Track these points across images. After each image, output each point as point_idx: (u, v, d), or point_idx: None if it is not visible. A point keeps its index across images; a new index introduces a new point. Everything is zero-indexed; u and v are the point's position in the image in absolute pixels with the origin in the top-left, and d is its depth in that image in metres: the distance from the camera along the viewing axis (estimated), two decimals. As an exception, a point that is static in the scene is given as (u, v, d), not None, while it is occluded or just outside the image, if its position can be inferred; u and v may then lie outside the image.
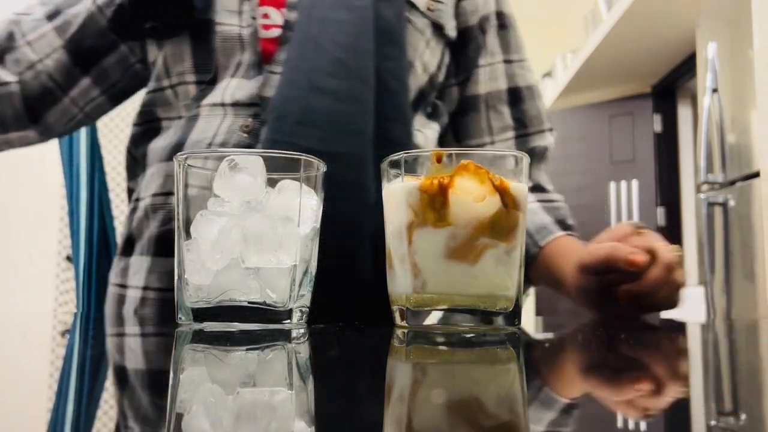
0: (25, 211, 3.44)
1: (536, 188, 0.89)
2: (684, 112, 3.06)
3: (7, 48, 0.81)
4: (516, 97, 0.89)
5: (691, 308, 2.19)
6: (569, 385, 0.29)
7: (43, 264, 3.41)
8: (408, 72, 0.76)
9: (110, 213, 1.12)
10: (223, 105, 0.72)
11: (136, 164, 0.83)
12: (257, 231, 0.47)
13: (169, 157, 0.73)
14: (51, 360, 0.38)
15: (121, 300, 0.77)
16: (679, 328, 0.60)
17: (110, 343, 0.45)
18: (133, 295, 0.75)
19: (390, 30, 0.75)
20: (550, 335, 0.49)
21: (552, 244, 0.80)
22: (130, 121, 0.85)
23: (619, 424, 0.21)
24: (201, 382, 0.28)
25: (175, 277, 0.50)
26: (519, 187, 0.49)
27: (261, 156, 0.49)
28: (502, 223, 0.47)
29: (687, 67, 2.75)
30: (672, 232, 2.99)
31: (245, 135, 0.70)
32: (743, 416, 0.22)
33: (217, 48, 0.73)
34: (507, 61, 0.89)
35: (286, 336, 0.44)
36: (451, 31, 0.84)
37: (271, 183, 0.49)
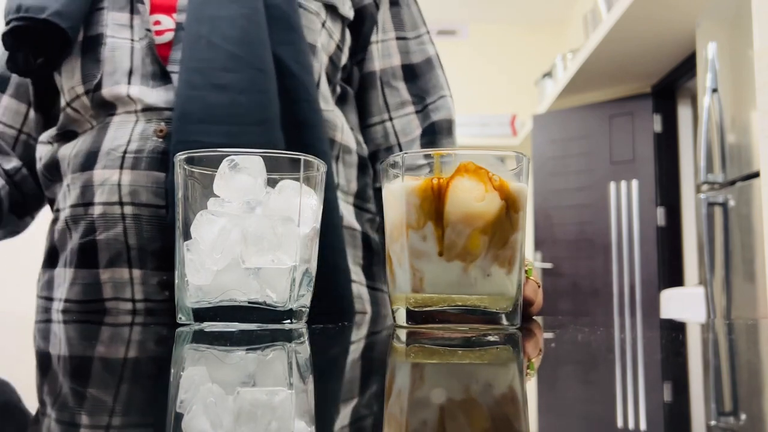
0: (25, 211, 3.44)
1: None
2: (684, 112, 3.05)
3: None
4: (412, 72, 0.89)
5: (691, 308, 2.19)
6: (569, 385, 0.29)
7: (33, 267, 3.41)
8: (308, 54, 0.76)
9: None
10: (135, 112, 0.71)
11: (44, 173, 0.81)
12: (257, 231, 0.47)
13: (84, 166, 0.72)
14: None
15: (46, 312, 0.76)
16: (679, 328, 0.60)
17: (109, 343, 0.45)
18: (56, 308, 0.74)
19: (283, 17, 0.75)
20: (550, 335, 0.49)
21: None
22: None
23: (620, 423, 0.21)
24: (201, 382, 0.28)
25: (176, 277, 0.50)
26: (519, 187, 0.49)
27: (261, 156, 0.49)
28: (501, 223, 0.47)
29: (687, 67, 2.75)
30: (672, 232, 2.99)
31: (160, 140, 0.70)
32: (743, 416, 0.22)
33: (105, 58, 0.73)
34: (400, 38, 0.89)
35: (286, 336, 0.44)
36: (348, 11, 0.84)
37: (271, 183, 0.49)
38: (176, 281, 0.50)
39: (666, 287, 2.73)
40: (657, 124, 3.03)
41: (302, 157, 0.50)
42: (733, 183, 1.88)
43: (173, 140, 0.67)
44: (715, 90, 1.94)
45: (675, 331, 0.56)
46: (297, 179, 0.49)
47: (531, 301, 0.59)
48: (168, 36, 0.75)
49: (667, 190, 3.00)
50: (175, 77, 0.72)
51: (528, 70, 4.20)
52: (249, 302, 0.47)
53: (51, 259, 0.78)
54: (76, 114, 0.76)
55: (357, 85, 0.90)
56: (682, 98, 3.05)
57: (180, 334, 0.46)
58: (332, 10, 0.82)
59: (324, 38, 0.81)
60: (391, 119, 0.88)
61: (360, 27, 0.87)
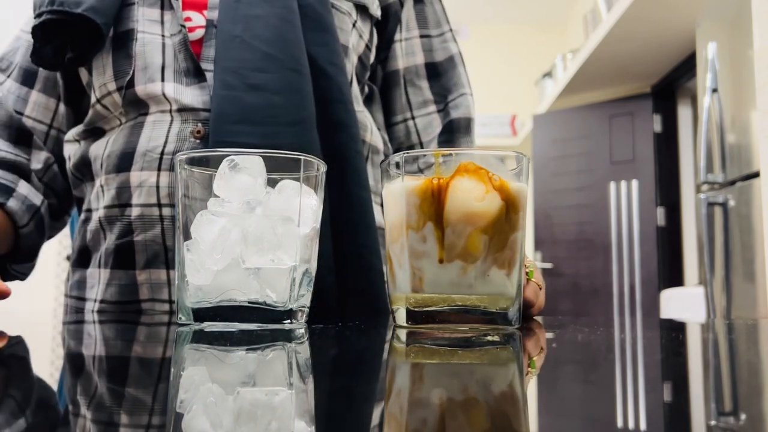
0: (25, 211, 3.44)
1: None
2: (684, 112, 3.05)
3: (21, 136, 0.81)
4: (434, 71, 0.89)
5: (691, 308, 2.19)
6: (569, 385, 0.29)
7: (43, 264, 3.41)
8: (341, 55, 0.77)
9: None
10: (170, 111, 0.71)
11: (73, 173, 0.81)
12: (257, 231, 0.47)
13: (119, 167, 0.71)
14: (51, 360, 0.38)
15: (78, 312, 0.76)
16: (679, 328, 0.60)
17: (109, 343, 0.45)
18: (90, 309, 0.74)
19: (316, 17, 0.75)
20: (550, 335, 0.49)
21: None
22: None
23: (620, 424, 0.21)
24: (201, 382, 0.28)
25: (176, 277, 0.50)
26: (519, 187, 0.49)
27: (261, 156, 0.49)
28: (501, 223, 0.47)
29: (687, 67, 2.75)
30: (672, 232, 2.99)
31: (197, 141, 0.70)
32: (743, 416, 0.22)
33: (136, 53, 0.72)
34: (424, 36, 0.89)
35: (286, 336, 0.44)
36: (376, 10, 0.85)
37: (271, 183, 0.49)
38: (176, 281, 0.50)
39: (666, 287, 2.73)
40: (657, 124, 3.02)
41: (302, 157, 0.50)
42: (733, 183, 1.88)
43: (211, 141, 0.67)
44: (715, 90, 1.94)
45: (675, 331, 0.56)
46: (297, 179, 0.49)
47: (531, 303, 0.59)
48: (199, 33, 0.74)
49: (667, 190, 3.00)
50: (208, 75, 0.72)
51: (528, 70, 4.20)
52: (249, 302, 0.47)
53: (82, 259, 0.78)
54: (106, 111, 0.75)
55: (380, 84, 0.90)
56: (682, 98, 3.05)
57: (180, 334, 0.46)
58: (363, 10, 0.83)
59: (355, 38, 0.82)
60: (413, 118, 0.89)
61: (385, 25, 0.87)
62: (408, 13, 0.89)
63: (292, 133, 0.69)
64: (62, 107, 0.83)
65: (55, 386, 0.29)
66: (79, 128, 0.79)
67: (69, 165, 0.80)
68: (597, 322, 0.66)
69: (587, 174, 3.20)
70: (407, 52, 0.89)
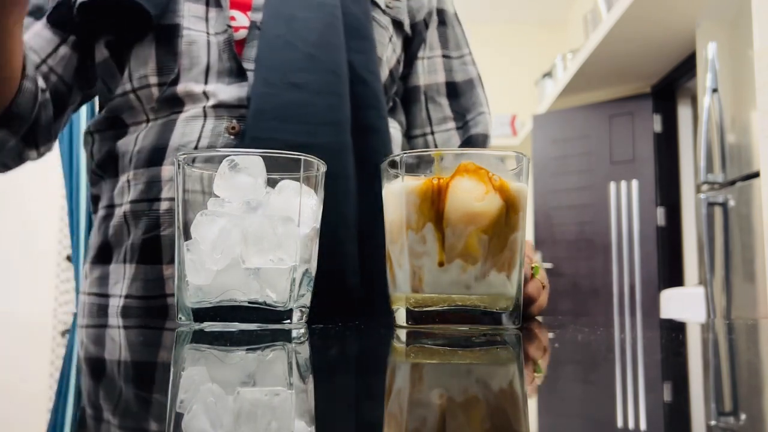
0: (25, 211, 3.44)
1: None
2: (684, 112, 3.05)
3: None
4: (454, 90, 0.92)
5: (691, 308, 2.19)
6: (569, 385, 0.29)
7: (43, 264, 3.41)
8: (378, 64, 0.79)
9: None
10: (204, 107, 0.71)
11: (96, 168, 0.80)
12: (257, 231, 0.47)
13: (150, 162, 0.71)
14: (51, 360, 0.38)
15: (101, 309, 0.76)
16: (679, 328, 0.60)
17: (109, 343, 0.45)
18: (114, 304, 0.74)
19: (358, 26, 0.77)
20: (550, 335, 0.49)
21: None
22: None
23: (620, 424, 0.21)
24: (201, 382, 0.28)
25: (176, 277, 0.50)
26: (519, 187, 0.49)
27: (261, 156, 0.49)
28: (501, 223, 0.47)
29: (687, 67, 2.75)
30: (672, 232, 2.99)
31: (232, 137, 0.70)
32: (743, 416, 0.22)
33: (182, 51, 0.73)
34: (445, 56, 0.92)
35: (286, 336, 0.44)
36: (408, 28, 0.87)
37: (271, 183, 0.49)
38: (176, 281, 0.50)
39: (666, 287, 2.73)
40: (657, 124, 3.02)
41: (302, 157, 0.50)
42: (733, 183, 1.88)
43: (247, 136, 0.68)
44: (715, 90, 1.94)
45: (675, 331, 0.56)
46: (297, 179, 0.49)
47: (533, 299, 0.59)
48: (242, 33, 0.75)
49: (667, 190, 3.00)
50: (250, 75, 0.72)
51: (528, 70, 4.20)
52: (249, 302, 0.47)
53: (103, 255, 0.77)
54: (137, 102, 0.75)
55: (400, 97, 0.92)
56: (682, 98, 3.05)
57: (180, 334, 0.46)
58: (399, 26, 0.86)
59: (389, 52, 0.84)
60: (432, 133, 0.91)
61: (410, 43, 0.90)
62: (432, 34, 0.92)
63: (327, 134, 0.71)
64: (64, 49, 0.78)
65: (55, 386, 0.29)
66: (99, 119, 0.78)
67: (92, 163, 0.80)
68: (597, 322, 0.66)
69: (587, 174, 3.20)
70: (429, 70, 0.91)
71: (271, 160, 0.49)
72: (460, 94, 0.92)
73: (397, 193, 0.49)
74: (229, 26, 0.74)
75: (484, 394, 0.26)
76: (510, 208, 0.48)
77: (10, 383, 0.29)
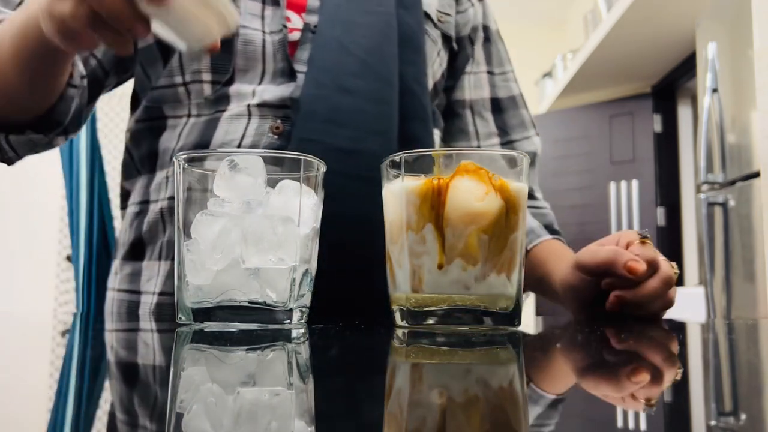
0: (25, 211, 3.44)
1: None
2: (684, 112, 3.05)
3: None
4: (498, 106, 0.93)
5: (691, 308, 2.19)
6: (569, 385, 0.29)
7: (43, 264, 3.42)
8: (426, 76, 0.79)
9: (110, 213, 1.12)
10: (248, 106, 0.71)
11: (134, 163, 0.80)
12: (257, 231, 0.47)
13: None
14: (51, 360, 0.38)
15: (132, 306, 0.75)
16: (679, 328, 0.60)
17: (109, 343, 0.45)
18: (147, 301, 0.73)
19: (412, 36, 0.77)
20: (550, 335, 0.49)
21: (539, 247, 0.83)
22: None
23: (619, 423, 0.21)
24: (201, 382, 0.28)
25: (176, 277, 0.50)
26: (519, 187, 0.49)
27: (261, 156, 0.49)
28: (501, 223, 0.47)
29: (687, 67, 2.75)
30: (672, 232, 2.98)
31: (276, 137, 0.70)
32: (743, 416, 0.22)
33: (237, 50, 0.73)
34: (490, 72, 0.93)
35: (286, 336, 0.44)
36: (454, 44, 0.88)
37: (271, 183, 0.49)
38: (176, 281, 0.50)
39: (666, 287, 2.73)
40: (657, 124, 3.02)
41: (302, 157, 0.50)
42: (733, 183, 1.88)
43: (295, 137, 0.68)
44: (715, 90, 1.94)
45: (675, 331, 0.56)
46: (297, 179, 0.49)
47: (670, 305, 0.62)
48: (296, 35, 0.75)
49: (667, 190, 3.00)
50: (300, 77, 0.72)
51: (528, 70, 4.19)
52: (249, 302, 0.47)
53: (135, 252, 0.77)
54: (185, 95, 0.74)
55: (443, 110, 0.92)
56: (682, 98, 3.05)
57: (180, 334, 0.46)
58: (447, 40, 0.86)
59: (437, 65, 0.85)
60: (479, 147, 0.92)
61: (455, 57, 0.90)
62: (477, 50, 0.93)
63: (375, 141, 0.71)
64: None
65: (55, 386, 0.29)
66: (139, 113, 0.78)
67: (129, 159, 0.80)
68: (597, 322, 0.66)
69: (587, 174, 3.20)
70: (475, 86, 0.92)
71: (271, 160, 0.49)
72: (503, 110, 0.93)
73: (397, 193, 0.49)
74: (285, 26, 0.74)
75: (484, 394, 0.26)
76: (510, 209, 0.48)
77: (10, 383, 0.29)
